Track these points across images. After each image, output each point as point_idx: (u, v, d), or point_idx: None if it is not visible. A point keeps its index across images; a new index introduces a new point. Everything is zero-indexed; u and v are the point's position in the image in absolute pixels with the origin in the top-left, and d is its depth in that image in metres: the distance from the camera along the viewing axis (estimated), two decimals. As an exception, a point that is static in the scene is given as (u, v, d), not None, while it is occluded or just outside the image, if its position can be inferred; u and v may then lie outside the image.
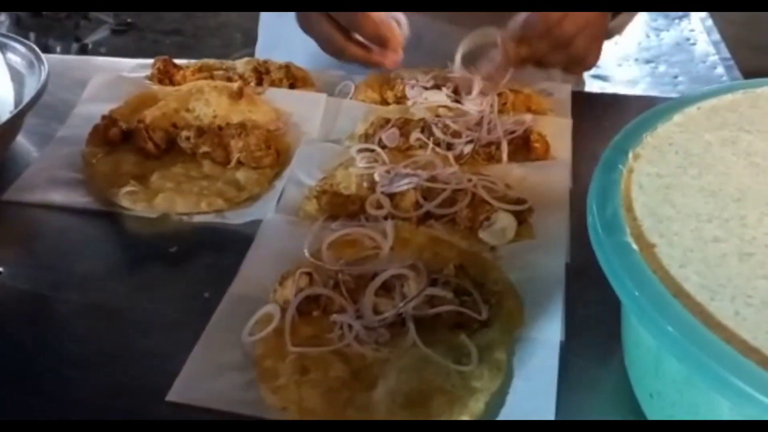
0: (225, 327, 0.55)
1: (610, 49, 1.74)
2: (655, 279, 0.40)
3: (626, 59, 1.72)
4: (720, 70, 1.70)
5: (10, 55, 0.80)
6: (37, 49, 0.79)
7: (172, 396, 0.50)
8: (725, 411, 0.38)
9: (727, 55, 1.78)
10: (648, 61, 1.72)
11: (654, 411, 0.45)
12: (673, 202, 0.46)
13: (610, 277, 0.41)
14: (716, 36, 1.78)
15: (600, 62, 1.75)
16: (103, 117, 0.76)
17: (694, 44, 1.80)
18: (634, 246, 0.42)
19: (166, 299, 0.59)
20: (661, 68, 1.71)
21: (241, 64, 0.86)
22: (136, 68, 0.87)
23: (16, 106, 0.76)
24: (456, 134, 0.71)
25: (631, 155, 0.49)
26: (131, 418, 0.49)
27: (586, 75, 1.05)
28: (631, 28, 1.89)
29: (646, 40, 1.82)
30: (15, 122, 0.72)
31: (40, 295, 0.60)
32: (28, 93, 0.74)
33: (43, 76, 0.74)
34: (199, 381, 0.51)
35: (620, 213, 0.44)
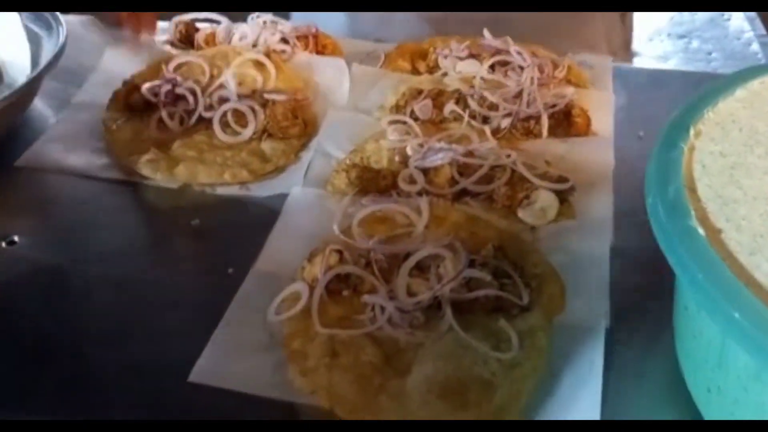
0: (250, 305, 0.53)
1: (640, 23, 1.67)
2: (725, 267, 0.36)
3: (658, 34, 1.64)
4: (755, 46, 1.63)
5: (28, 16, 0.77)
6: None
7: (194, 377, 0.48)
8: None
9: (763, 31, 1.71)
10: (681, 36, 1.65)
11: (711, 407, 0.42)
12: (739, 184, 0.42)
13: (674, 264, 0.38)
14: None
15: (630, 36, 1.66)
16: (125, 82, 0.73)
17: (728, 20, 1.73)
18: (701, 231, 0.38)
19: (187, 274, 0.56)
20: (695, 44, 1.64)
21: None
22: (156, 31, 0.84)
23: (32, 70, 0.72)
24: (493, 107, 0.68)
25: (692, 132, 0.45)
26: (151, 400, 0.47)
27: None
28: (663, 2, 1.79)
29: (678, 14, 1.74)
30: (32, 86, 0.69)
31: (56, 267, 0.57)
32: (46, 56, 0.72)
33: (62, 39, 0.71)
34: (223, 361, 0.49)
35: (683, 194, 0.41)
